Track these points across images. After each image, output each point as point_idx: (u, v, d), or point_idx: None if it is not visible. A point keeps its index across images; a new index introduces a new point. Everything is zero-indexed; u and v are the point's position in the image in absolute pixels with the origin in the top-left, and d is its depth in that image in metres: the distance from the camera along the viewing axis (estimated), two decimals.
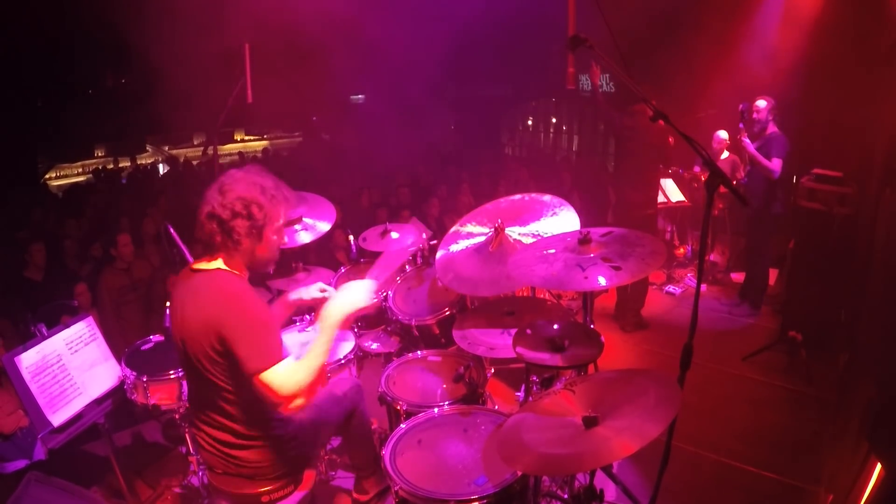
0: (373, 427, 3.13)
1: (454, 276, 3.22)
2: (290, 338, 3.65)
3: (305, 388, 2.12)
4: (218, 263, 2.23)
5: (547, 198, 3.43)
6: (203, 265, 2.24)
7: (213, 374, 2.17)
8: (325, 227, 3.74)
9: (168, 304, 2.34)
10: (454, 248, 3.41)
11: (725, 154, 6.49)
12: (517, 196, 3.53)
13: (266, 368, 2.06)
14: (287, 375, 2.09)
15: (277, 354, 2.11)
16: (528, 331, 2.64)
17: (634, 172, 5.42)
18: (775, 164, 5.25)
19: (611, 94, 11.23)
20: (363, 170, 10.79)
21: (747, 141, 5.35)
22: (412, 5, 8.32)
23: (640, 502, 2.65)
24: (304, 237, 3.62)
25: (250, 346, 2.07)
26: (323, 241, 3.71)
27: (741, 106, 5.40)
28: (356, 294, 2.33)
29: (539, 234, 3.21)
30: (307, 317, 3.78)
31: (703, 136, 6.47)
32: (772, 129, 5.38)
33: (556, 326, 2.65)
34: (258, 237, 2.21)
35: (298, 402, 2.12)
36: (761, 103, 5.39)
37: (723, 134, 6.43)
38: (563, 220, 3.26)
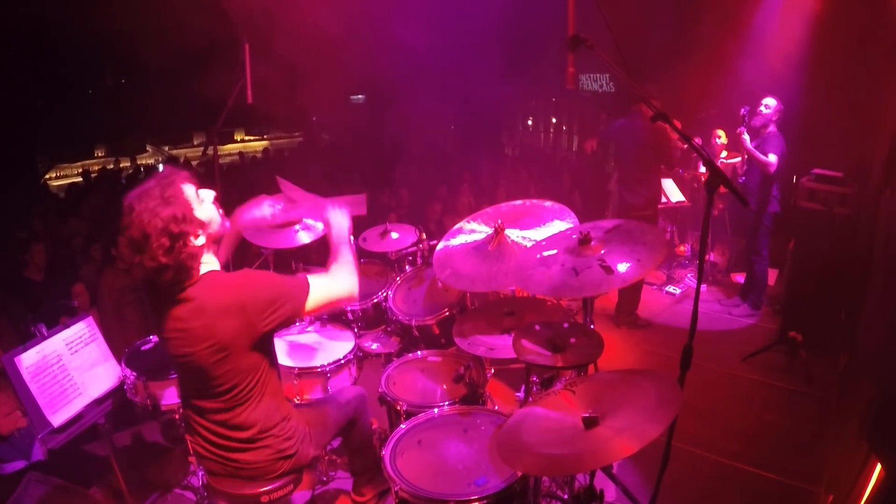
0: (373, 427, 3.13)
1: (452, 271, 3.22)
2: (290, 337, 3.65)
3: (349, 285, 2.37)
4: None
5: (548, 204, 3.43)
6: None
7: (222, 381, 2.17)
8: (321, 227, 3.73)
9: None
10: (453, 243, 3.41)
11: (724, 154, 6.48)
12: (518, 202, 3.53)
13: (304, 303, 2.22)
14: (325, 287, 2.30)
15: (303, 287, 2.23)
16: (528, 331, 2.64)
17: (630, 175, 5.41)
18: (772, 159, 5.25)
19: (610, 94, 11.26)
20: (363, 169, 10.79)
21: (745, 137, 5.36)
22: (412, 5, 8.31)
23: (640, 503, 2.65)
24: (304, 237, 3.62)
25: (278, 302, 2.16)
26: (324, 240, 3.72)
27: (743, 110, 5.40)
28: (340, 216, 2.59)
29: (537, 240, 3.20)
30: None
31: (704, 136, 6.48)
32: (771, 129, 5.38)
33: (556, 327, 2.65)
34: (199, 226, 2.08)
35: (350, 293, 2.37)
36: (771, 102, 5.37)
37: (720, 132, 6.43)
38: (564, 226, 3.26)
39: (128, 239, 2.01)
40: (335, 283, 2.35)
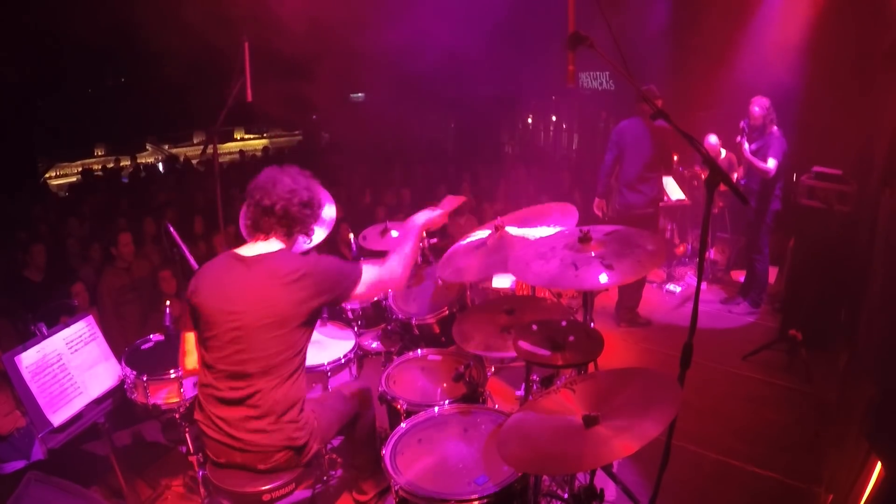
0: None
1: (453, 269, 3.23)
2: None
3: (397, 274, 2.57)
4: (277, 244, 2.42)
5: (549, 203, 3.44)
6: (260, 247, 2.40)
7: (261, 347, 2.28)
8: (331, 210, 3.72)
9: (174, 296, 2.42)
10: (458, 246, 3.41)
11: (723, 153, 6.47)
12: (522, 210, 3.53)
13: (354, 289, 2.44)
14: (374, 275, 2.50)
15: (357, 273, 2.46)
16: (528, 330, 2.64)
17: (636, 174, 5.33)
18: (770, 165, 5.25)
19: (610, 92, 11.24)
20: (363, 168, 10.80)
21: (746, 147, 5.34)
22: (412, 4, 8.31)
23: (640, 502, 2.65)
24: (318, 234, 3.60)
25: (338, 282, 2.41)
26: (329, 236, 3.73)
27: (742, 123, 5.38)
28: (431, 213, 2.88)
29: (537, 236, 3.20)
30: None
31: (703, 136, 6.46)
32: (772, 129, 5.36)
33: (555, 325, 2.65)
34: (309, 222, 2.50)
35: (395, 281, 2.57)
36: (756, 108, 5.36)
37: (713, 139, 6.38)
38: (564, 224, 3.26)
39: (287, 183, 2.40)
40: (384, 272, 2.54)
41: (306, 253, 2.62)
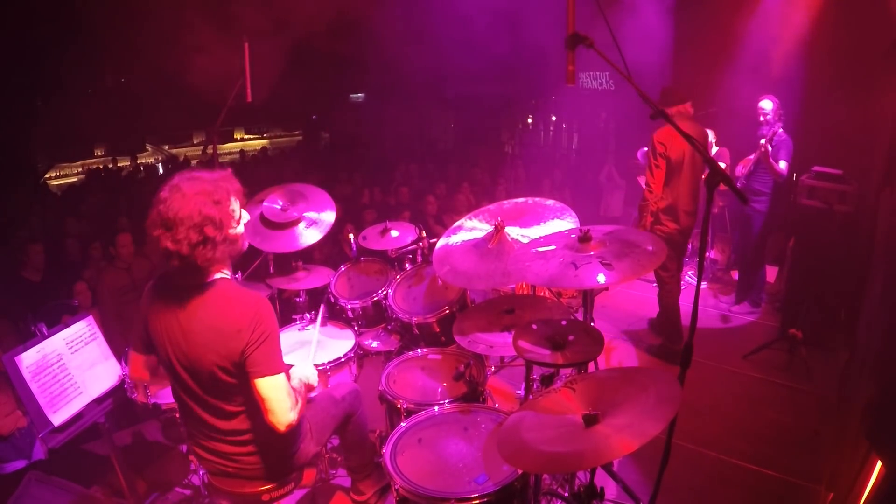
0: (375, 433, 3.13)
1: (450, 268, 3.22)
2: (290, 336, 3.65)
3: (286, 417, 2.13)
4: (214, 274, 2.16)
5: (550, 202, 3.44)
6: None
7: (218, 388, 2.15)
8: (330, 216, 3.72)
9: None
10: (453, 240, 3.41)
11: (716, 148, 6.45)
12: (521, 199, 3.53)
13: (274, 374, 2.10)
14: (284, 389, 2.13)
15: (282, 365, 2.15)
16: (528, 329, 2.64)
17: (693, 188, 4.82)
18: (782, 167, 5.24)
19: (610, 92, 11.24)
20: (363, 168, 10.80)
21: (769, 147, 5.29)
22: (412, 3, 8.31)
23: (640, 500, 2.66)
24: (313, 235, 3.59)
25: (267, 354, 2.09)
26: (332, 234, 3.72)
27: (765, 129, 5.32)
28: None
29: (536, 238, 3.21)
30: (307, 315, 3.79)
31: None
32: (780, 132, 5.33)
33: (556, 324, 2.65)
34: (226, 241, 2.08)
35: (289, 417, 2.13)
36: (767, 105, 5.32)
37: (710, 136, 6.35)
38: (564, 225, 3.26)
39: (160, 213, 2.01)
40: (286, 400, 2.13)
41: None
